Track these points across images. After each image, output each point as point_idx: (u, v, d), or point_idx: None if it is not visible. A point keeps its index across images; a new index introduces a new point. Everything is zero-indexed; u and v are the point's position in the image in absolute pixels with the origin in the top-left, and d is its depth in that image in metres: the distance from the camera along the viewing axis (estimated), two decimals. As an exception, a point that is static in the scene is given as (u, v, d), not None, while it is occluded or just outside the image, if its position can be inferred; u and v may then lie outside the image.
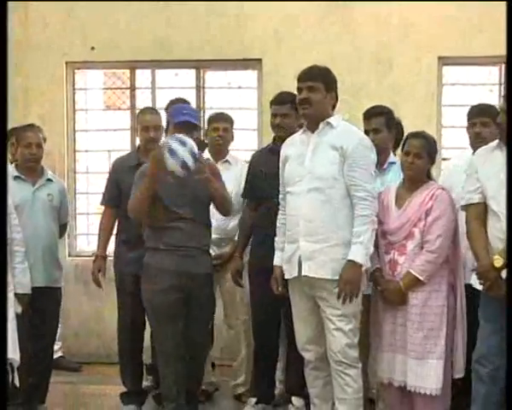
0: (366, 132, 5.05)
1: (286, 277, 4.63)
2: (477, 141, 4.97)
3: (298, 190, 4.50)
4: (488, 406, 4.30)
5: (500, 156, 4.28)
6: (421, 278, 4.47)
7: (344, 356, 4.42)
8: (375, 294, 4.72)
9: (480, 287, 4.27)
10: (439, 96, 7.20)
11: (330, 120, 4.53)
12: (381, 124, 5.12)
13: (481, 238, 4.28)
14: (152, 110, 5.90)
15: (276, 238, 4.75)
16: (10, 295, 4.65)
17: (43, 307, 5.27)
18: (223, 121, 5.99)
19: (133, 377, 5.55)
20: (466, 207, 4.42)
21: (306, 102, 4.50)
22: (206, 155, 5.79)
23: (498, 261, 4.11)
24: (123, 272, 5.47)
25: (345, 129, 4.56)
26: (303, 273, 4.46)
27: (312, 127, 4.55)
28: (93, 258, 5.62)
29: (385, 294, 4.59)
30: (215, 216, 5.29)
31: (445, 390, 4.54)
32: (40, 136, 5.55)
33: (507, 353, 3.98)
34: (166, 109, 6.06)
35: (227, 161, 5.96)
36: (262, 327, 5.35)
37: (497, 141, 4.36)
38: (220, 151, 5.95)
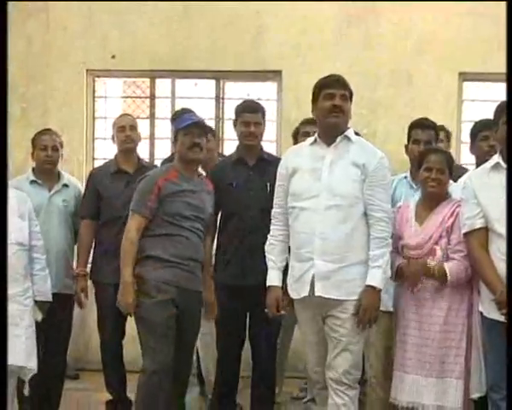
0: (416, 142, 5.01)
1: (293, 297, 4.40)
2: (492, 155, 4.57)
3: (313, 206, 4.24)
4: None
5: (498, 178, 4.15)
6: (449, 276, 4.36)
7: (347, 377, 4.26)
8: (396, 313, 4.64)
9: (497, 316, 4.09)
10: (458, 112, 7.20)
11: (348, 133, 4.34)
12: (432, 137, 5.07)
13: (492, 265, 4.13)
14: (126, 114, 6.02)
15: (272, 257, 4.49)
16: (27, 302, 4.66)
17: (54, 313, 5.26)
18: None
19: (118, 385, 5.56)
20: (468, 235, 4.28)
21: (340, 109, 4.27)
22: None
23: None
24: (103, 283, 5.40)
25: (363, 145, 4.40)
26: (316, 293, 4.23)
27: (328, 140, 4.32)
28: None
29: (410, 262, 4.46)
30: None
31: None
32: (56, 139, 5.56)
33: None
34: (172, 120, 6.06)
35: None
36: (226, 347, 5.19)
37: (493, 161, 4.23)
38: (208, 163, 5.68)
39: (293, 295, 4.39)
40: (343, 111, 4.28)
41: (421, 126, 5.13)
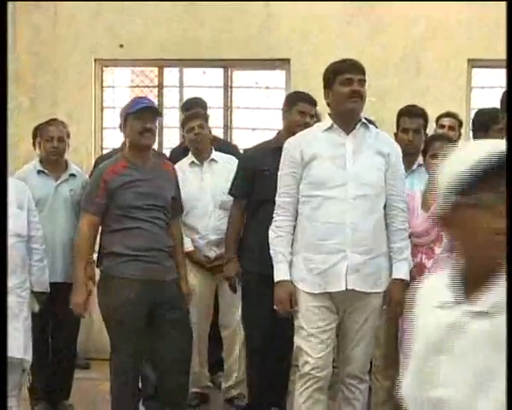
0: (405, 131, 5.06)
1: (315, 291, 4.11)
2: None
3: (339, 196, 4.05)
4: None
5: None
6: None
7: (361, 371, 4.26)
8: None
9: None
10: (467, 99, 7.19)
11: (365, 121, 4.23)
12: (421, 124, 5.13)
13: None
14: None
15: (281, 249, 4.18)
16: (24, 294, 4.64)
17: (62, 303, 5.27)
18: (196, 119, 5.68)
19: None
20: None
21: (359, 95, 4.11)
22: (191, 158, 5.65)
23: None
24: None
25: (380, 133, 4.33)
26: (349, 287, 4.07)
27: (346, 126, 4.17)
28: None
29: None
30: (213, 215, 5.32)
31: None
32: (63, 130, 5.57)
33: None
34: (182, 108, 6.06)
35: (213, 159, 5.69)
36: (254, 339, 5.05)
37: None
38: (203, 151, 5.69)
39: (315, 289, 4.12)
40: (362, 96, 4.14)
41: (409, 114, 5.16)
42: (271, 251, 4.24)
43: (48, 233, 5.10)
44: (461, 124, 5.99)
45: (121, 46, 7.40)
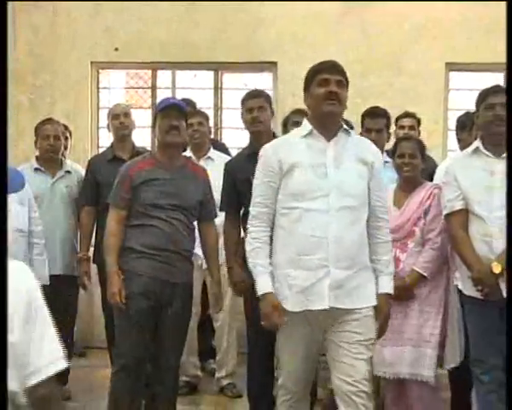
0: (368, 131, 5.22)
1: (296, 309, 3.77)
2: None
3: (322, 207, 3.70)
4: (487, 406, 4.25)
5: (478, 162, 4.29)
6: (425, 274, 4.58)
7: (366, 386, 3.76)
8: None
9: (473, 293, 4.21)
10: (445, 101, 7.42)
11: (346, 126, 3.89)
12: (384, 124, 5.32)
13: (470, 245, 4.23)
14: (120, 103, 6.20)
15: (259, 261, 3.82)
16: None
17: (61, 293, 5.39)
18: (196, 116, 5.81)
19: None
20: (448, 216, 4.37)
21: (336, 96, 3.72)
22: (188, 154, 5.67)
23: (497, 267, 4.06)
24: (104, 265, 5.31)
25: (362, 140, 4.10)
26: (331, 304, 3.72)
27: (327, 132, 3.81)
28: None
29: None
30: None
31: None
32: (58, 128, 5.75)
33: (507, 354, 3.73)
34: None
35: (209, 157, 5.85)
36: (260, 360, 4.81)
37: (474, 146, 4.36)
38: (200, 147, 5.85)
39: (294, 307, 3.78)
40: (339, 99, 3.74)
41: (371, 115, 5.34)
42: (250, 264, 3.90)
43: (47, 228, 5.29)
44: (419, 122, 6.18)
45: (116, 49, 7.61)
